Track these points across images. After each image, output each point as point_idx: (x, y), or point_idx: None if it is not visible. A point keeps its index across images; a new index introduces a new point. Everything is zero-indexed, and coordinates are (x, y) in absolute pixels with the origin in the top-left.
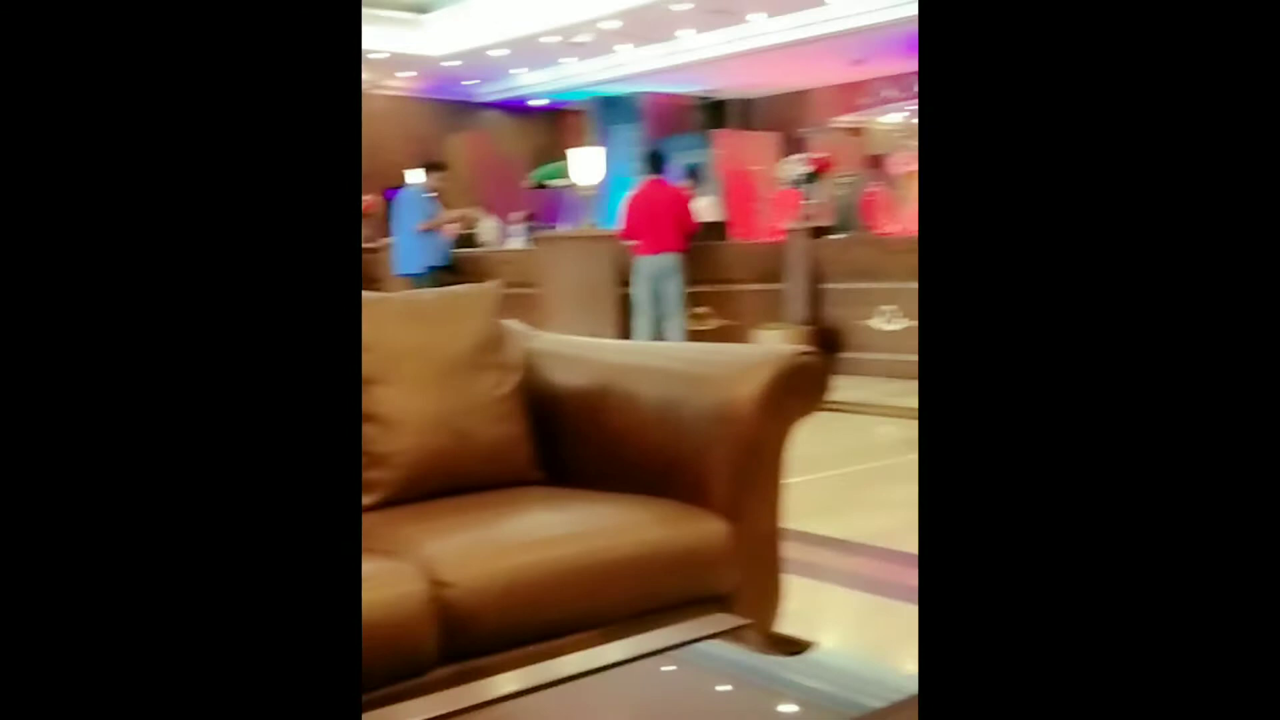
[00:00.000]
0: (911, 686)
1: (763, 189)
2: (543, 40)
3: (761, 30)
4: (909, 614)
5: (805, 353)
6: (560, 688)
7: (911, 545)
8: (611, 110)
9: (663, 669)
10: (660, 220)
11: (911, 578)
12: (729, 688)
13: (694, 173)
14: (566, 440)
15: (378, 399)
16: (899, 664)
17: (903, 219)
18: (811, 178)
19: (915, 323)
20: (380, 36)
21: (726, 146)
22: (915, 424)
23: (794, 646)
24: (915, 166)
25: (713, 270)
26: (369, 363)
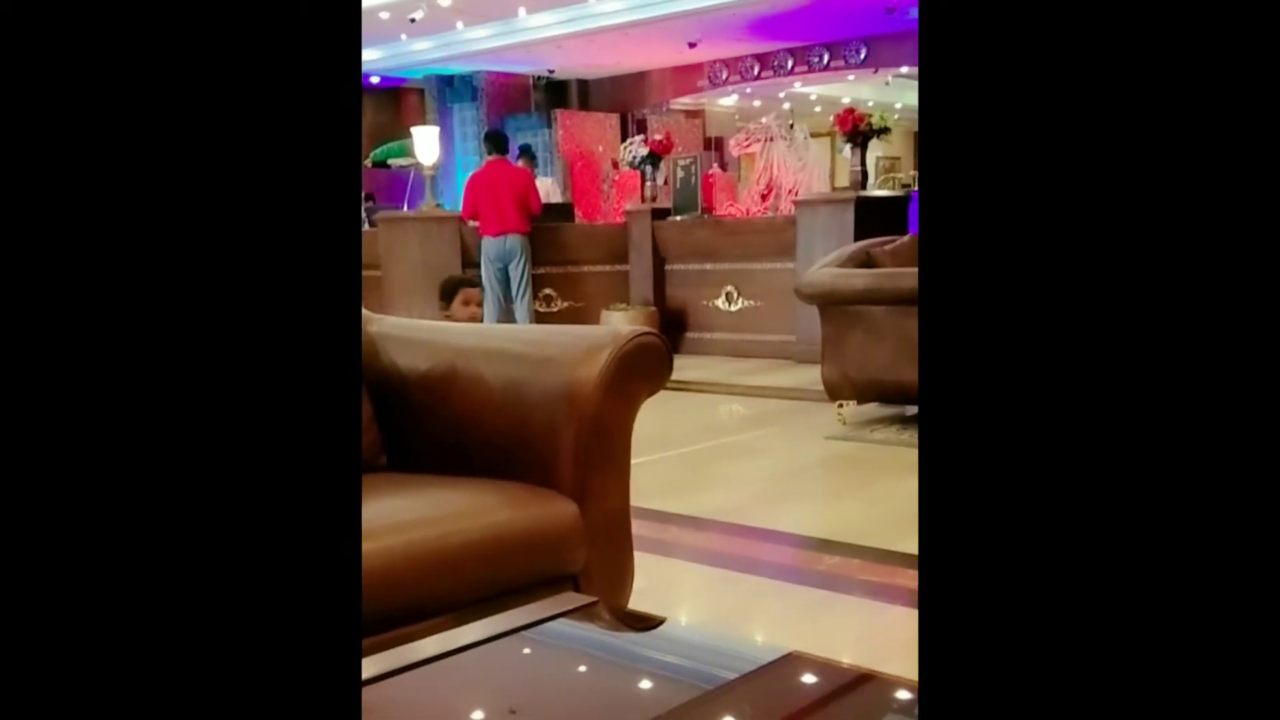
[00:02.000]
0: (760, 656)
1: (606, 170)
2: (380, 16)
3: (598, 10)
4: (755, 586)
5: (646, 333)
6: (414, 672)
7: (755, 518)
8: (450, 89)
9: (515, 649)
10: (503, 201)
11: (756, 550)
12: (583, 665)
13: (526, 152)
14: (411, 425)
15: None
16: (747, 635)
17: (741, 200)
18: (652, 159)
19: (755, 303)
20: None
21: (567, 127)
22: (757, 401)
23: (645, 622)
24: (751, 149)
25: (559, 252)
26: None
